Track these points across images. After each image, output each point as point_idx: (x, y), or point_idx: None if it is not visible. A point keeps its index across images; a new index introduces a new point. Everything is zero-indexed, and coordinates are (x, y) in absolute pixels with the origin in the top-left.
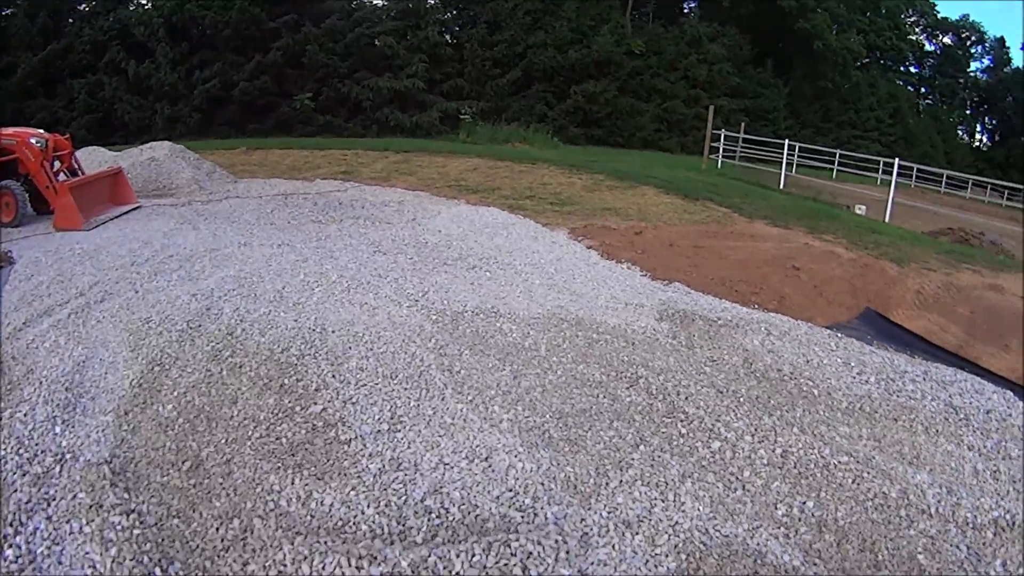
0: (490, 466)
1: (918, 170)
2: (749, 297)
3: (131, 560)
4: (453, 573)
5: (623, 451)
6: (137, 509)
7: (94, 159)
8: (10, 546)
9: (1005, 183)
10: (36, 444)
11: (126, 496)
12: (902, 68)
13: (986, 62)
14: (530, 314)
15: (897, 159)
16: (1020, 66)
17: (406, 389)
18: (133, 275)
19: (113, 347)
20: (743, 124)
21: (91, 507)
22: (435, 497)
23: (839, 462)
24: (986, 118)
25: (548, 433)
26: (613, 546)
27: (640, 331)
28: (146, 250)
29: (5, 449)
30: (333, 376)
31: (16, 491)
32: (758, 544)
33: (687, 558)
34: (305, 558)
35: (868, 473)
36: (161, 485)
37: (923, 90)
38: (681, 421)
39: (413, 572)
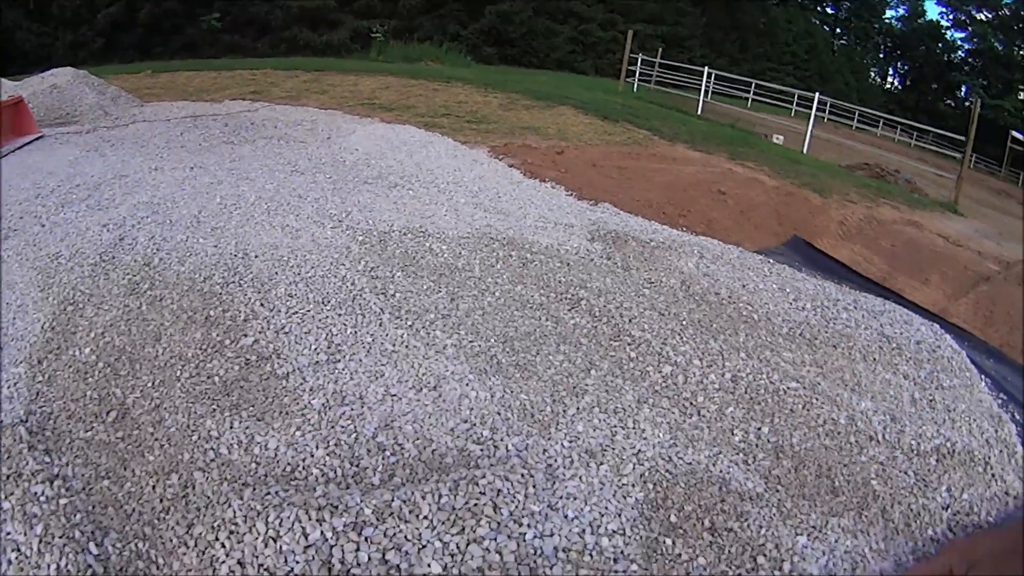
0: (440, 396)
1: (832, 105)
2: (677, 220)
3: (60, 537)
4: (420, 516)
5: (575, 376)
6: (61, 474)
7: None
8: None
9: (915, 123)
10: None
11: (47, 460)
12: (819, 8)
13: (901, 11)
14: (459, 233)
15: (817, 93)
16: (933, 19)
17: (340, 315)
18: (39, 208)
19: (21, 288)
20: (660, 50)
21: (8, 478)
22: (387, 433)
23: (788, 388)
24: (898, 63)
25: (496, 358)
26: (580, 478)
27: (574, 251)
28: (51, 181)
29: None
30: (262, 305)
31: None
32: (721, 471)
33: (654, 487)
34: (259, 514)
35: (816, 399)
36: (85, 442)
37: (839, 31)
38: (629, 345)
39: (378, 519)
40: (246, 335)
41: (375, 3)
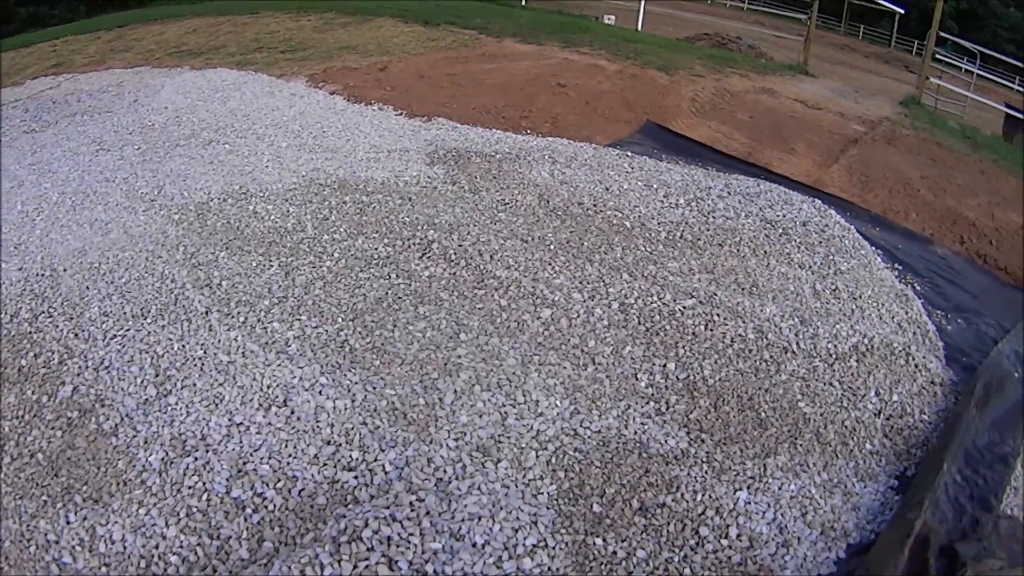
0: (293, 413)
1: None
2: (519, 123)
3: None
4: None
5: (444, 347)
6: None
7: None
8: None
9: None
10: None
11: None
12: None
13: None
14: (284, 186)
15: None
16: None
17: (164, 327)
18: None
19: None
20: None
21: None
22: (242, 482)
23: (684, 307)
24: None
25: (347, 344)
26: (479, 488)
27: (414, 182)
28: None
29: None
30: (75, 336)
31: None
32: (635, 433)
33: (566, 474)
34: None
35: (718, 315)
36: None
37: None
38: (496, 290)
39: None
40: (63, 383)
41: None
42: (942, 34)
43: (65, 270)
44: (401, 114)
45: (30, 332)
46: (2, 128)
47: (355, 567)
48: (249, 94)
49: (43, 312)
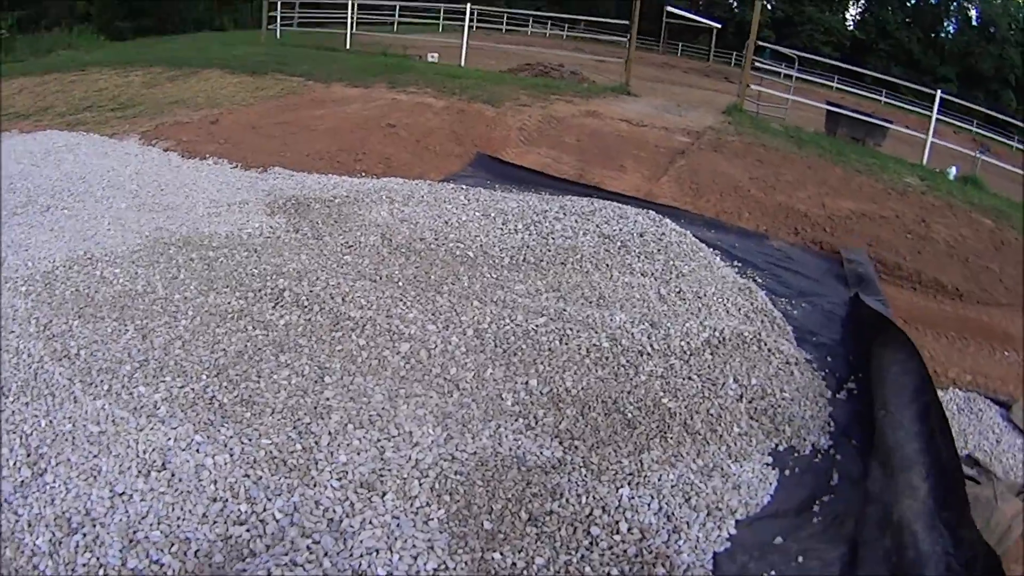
0: (174, 475)
1: (479, 13)
2: (353, 165)
3: None
4: None
5: (311, 392)
6: None
7: None
8: None
9: (562, 15)
10: None
11: None
12: None
13: None
14: (129, 248)
15: (469, 3)
16: None
17: (27, 404)
18: None
19: None
20: None
21: None
22: (135, 552)
23: (536, 326)
24: None
25: (215, 399)
26: (371, 522)
27: (257, 233)
28: None
29: None
30: None
31: None
32: (509, 449)
33: (451, 497)
34: None
35: (570, 329)
36: None
37: None
38: (352, 331)
39: None
40: None
41: None
42: (759, 43)
43: None
44: (236, 166)
45: None
46: None
47: None
48: (83, 155)
49: None
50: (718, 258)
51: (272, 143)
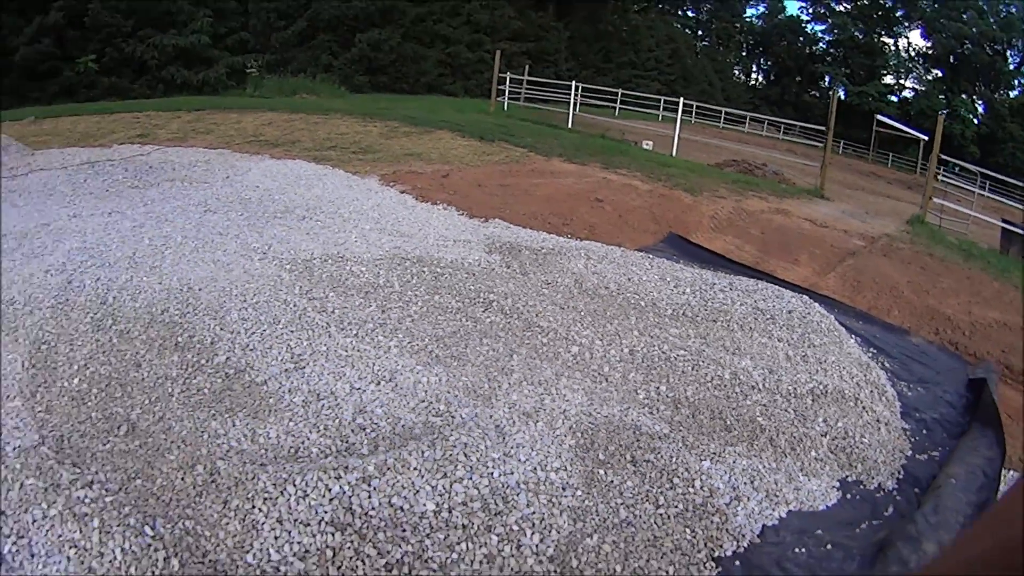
0: (397, 385)
1: (698, 107)
2: (562, 228)
3: (117, 526)
4: (411, 467)
5: (502, 360)
6: (95, 480)
7: None
8: None
9: (780, 119)
10: None
11: (78, 471)
12: (680, 12)
13: (761, 9)
14: (372, 256)
15: (681, 98)
16: (793, 14)
17: (293, 332)
18: None
19: None
20: (527, 66)
21: (47, 489)
22: (362, 416)
23: (677, 355)
24: (761, 59)
25: (433, 353)
26: (523, 433)
27: (476, 263)
28: None
29: None
30: (221, 328)
31: None
32: (632, 419)
33: (582, 435)
34: (286, 480)
35: (702, 362)
36: (107, 453)
37: (700, 32)
38: (539, 333)
39: (380, 472)
40: (217, 354)
41: (248, 38)
42: (944, 157)
43: (201, 289)
44: (463, 214)
45: (180, 322)
46: (107, 180)
47: (444, 454)
48: (330, 185)
49: (189, 312)
50: (853, 340)
51: (494, 200)
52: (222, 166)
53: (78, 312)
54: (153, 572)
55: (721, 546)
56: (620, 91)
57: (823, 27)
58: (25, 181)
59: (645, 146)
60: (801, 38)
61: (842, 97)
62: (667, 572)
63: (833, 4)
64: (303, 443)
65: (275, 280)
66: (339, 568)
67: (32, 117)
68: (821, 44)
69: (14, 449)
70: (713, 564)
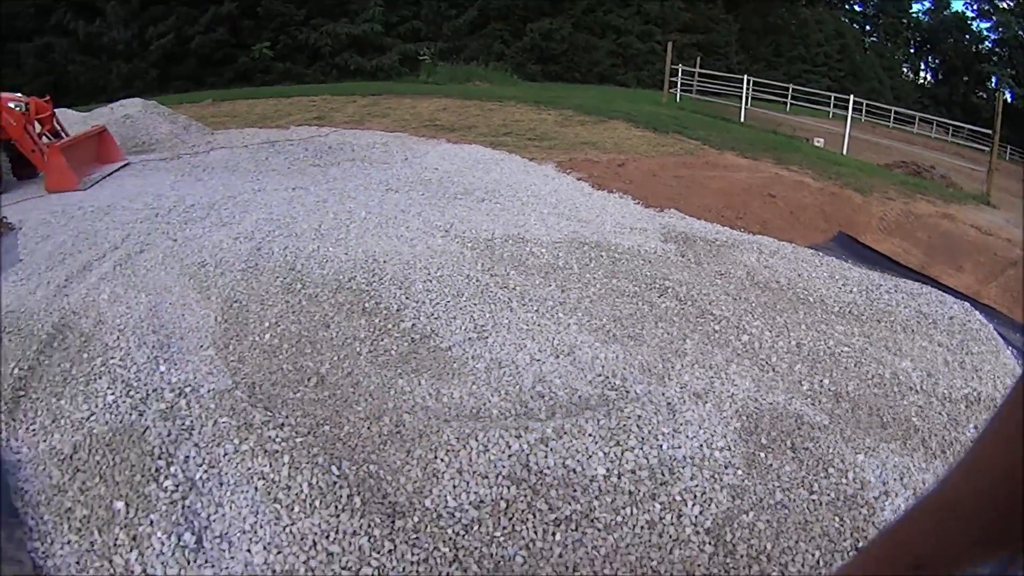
0: (576, 359)
1: (868, 105)
2: (735, 222)
3: (306, 463)
4: (587, 434)
5: (675, 343)
6: (286, 423)
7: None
8: (166, 477)
9: (949, 120)
10: (146, 384)
11: (269, 414)
12: (847, 6)
13: (927, 4)
14: (551, 239)
15: (852, 96)
16: (959, 10)
17: (476, 304)
18: (163, 225)
19: (178, 291)
20: (698, 58)
21: (240, 427)
22: (541, 385)
23: (842, 351)
24: (929, 57)
25: (611, 332)
26: (692, 411)
27: (652, 251)
28: (162, 202)
29: (115, 393)
30: (407, 298)
31: (149, 428)
32: (795, 409)
33: (747, 419)
34: (469, 435)
35: (865, 360)
36: (298, 400)
37: (867, 27)
38: (712, 321)
39: (557, 436)
40: (403, 320)
41: (420, 27)
42: None
43: (386, 261)
44: (639, 203)
45: (367, 290)
46: (288, 159)
47: (618, 423)
48: (507, 170)
49: (375, 281)
50: (1010, 351)
51: (669, 191)
52: (400, 148)
53: (268, 276)
54: (336, 506)
55: (866, 537)
56: (791, 87)
57: (988, 25)
58: (207, 158)
59: (817, 143)
60: (967, 36)
61: (1009, 99)
62: (813, 555)
63: (996, 0)
64: (484, 405)
65: (458, 256)
66: (511, 519)
67: (210, 99)
68: (987, 43)
69: (208, 391)
70: (856, 554)
